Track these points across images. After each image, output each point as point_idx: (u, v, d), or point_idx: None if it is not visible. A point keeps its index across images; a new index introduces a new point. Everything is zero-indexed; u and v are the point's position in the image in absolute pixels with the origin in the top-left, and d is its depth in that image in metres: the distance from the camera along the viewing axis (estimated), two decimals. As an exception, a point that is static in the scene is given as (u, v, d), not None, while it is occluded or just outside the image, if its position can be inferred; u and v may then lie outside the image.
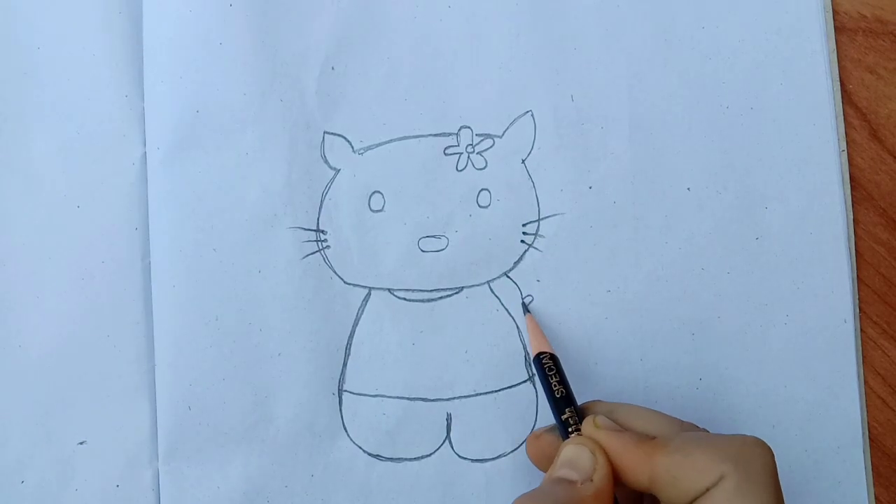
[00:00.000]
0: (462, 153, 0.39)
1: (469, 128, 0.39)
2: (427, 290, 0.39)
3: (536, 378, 0.39)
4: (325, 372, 0.39)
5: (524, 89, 0.39)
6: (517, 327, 0.39)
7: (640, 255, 0.39)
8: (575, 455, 0.31)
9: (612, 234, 0.39)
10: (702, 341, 0.39)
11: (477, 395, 0.39)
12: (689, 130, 0.39)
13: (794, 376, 0.39)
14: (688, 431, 0.31)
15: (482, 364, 0.39)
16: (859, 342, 0.39)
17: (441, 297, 0.39)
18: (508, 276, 0.39)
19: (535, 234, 0.39)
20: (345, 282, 0.39)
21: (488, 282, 0.39)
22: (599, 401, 0.35)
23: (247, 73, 0.39)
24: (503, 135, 0.39)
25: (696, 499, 0.28)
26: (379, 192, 0.39)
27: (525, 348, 0.39)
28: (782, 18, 0.40)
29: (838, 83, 0.40)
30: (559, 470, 0.31)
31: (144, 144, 0.39)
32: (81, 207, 0.39)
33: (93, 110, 0.39)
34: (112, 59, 0.39)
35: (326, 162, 0.39)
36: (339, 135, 0.39)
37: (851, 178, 0.40)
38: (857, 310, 0.39)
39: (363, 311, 0.39)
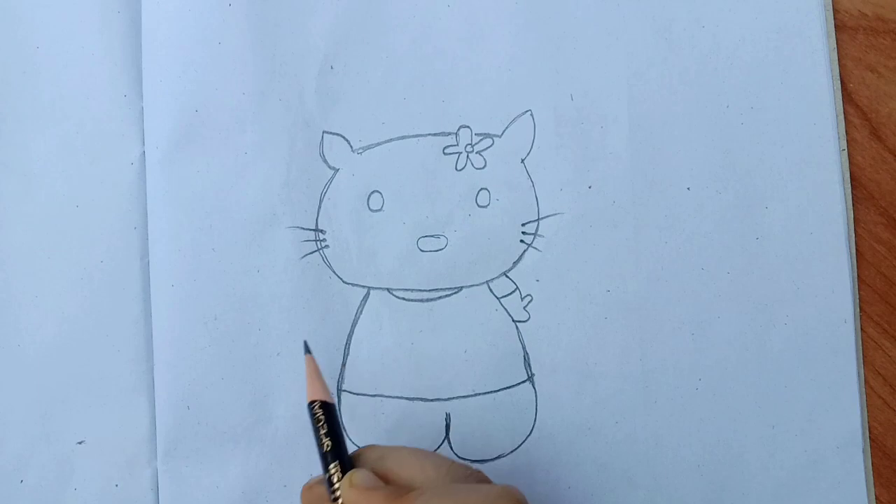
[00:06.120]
0: (461, 153, 0.39)
1: (468, 127, 0.39)
2: (426, 290, 0.39)
3: (536, 378, 0.39)
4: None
5: (524, 89, 0.39)
6: (516, 327, 0.39)
7: (640, 255, 0.39)
8: None
9: (611, 233, 0.39)
10: (702, 341, 0.39)
11: (476, 395, 0.39)
12: (689, 130, 0.39)
13: (794, 376, 0.39)
14: (448, 484, 0.31)
15: (481, 364, 0.39)
16: (859, 342, 0.39)
17: (440, 297, 0.39)
18: (508, 276, 0.39)
19: (535, 234, 0.39)
20: (343, 281, 0.39)
21: (487, 282, 0.39)
22: (374, 445, 0.33)
23: (246, 72, 0.39)
24: (502, 134, 0.39)
25: None
26: (378, 191, 0.39)
27: (524, 349, 0.39)
28: (782, 17, 0.40)
29: (839, 82, 0.40)
30: None
31: (143, 144, 0.39)
32: (80, 207, 0.39)
33: (92, 110, 0.39)
34: (111, 59, 0.39)
35: (325, 161, 0.39)
36: (338, 134, 0.39)
37: (852, 178, 0.40)
38: (858, 310, 0.39)
39: (362, 310, 0.39)
